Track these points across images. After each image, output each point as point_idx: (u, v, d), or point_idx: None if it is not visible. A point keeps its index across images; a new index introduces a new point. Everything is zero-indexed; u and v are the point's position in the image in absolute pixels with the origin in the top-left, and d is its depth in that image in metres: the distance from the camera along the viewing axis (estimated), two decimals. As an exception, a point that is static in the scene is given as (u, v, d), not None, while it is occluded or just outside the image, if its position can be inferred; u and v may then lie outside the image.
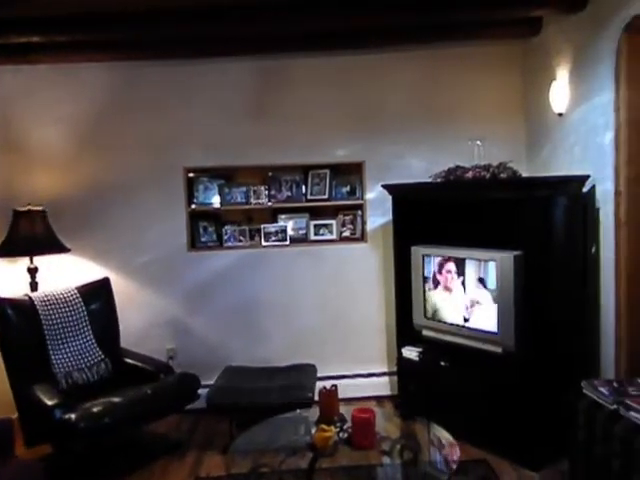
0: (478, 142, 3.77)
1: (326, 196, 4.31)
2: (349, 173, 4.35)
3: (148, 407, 3.33)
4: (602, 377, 3.20)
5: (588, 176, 3.33)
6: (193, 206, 4.32)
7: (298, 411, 3.07)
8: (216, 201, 4.36)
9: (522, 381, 3.22)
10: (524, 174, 3.80)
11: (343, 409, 2.93)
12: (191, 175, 4.34)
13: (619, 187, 3.11)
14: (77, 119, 4.15)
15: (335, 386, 2.92)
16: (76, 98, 4.15)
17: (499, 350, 3.32)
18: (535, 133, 4.15)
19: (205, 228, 4.37)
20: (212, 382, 3.74)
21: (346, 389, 4.08)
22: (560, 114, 3.72)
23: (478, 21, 3.85)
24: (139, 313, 4.24)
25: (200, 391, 3.60)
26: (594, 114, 3.35)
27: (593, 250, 3.36)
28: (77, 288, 3.78)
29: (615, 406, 2.53)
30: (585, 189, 3.36)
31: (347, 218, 4.37)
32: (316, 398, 3.16)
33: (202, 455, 3.54)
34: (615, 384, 2.72)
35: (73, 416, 2.99)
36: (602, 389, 2.67)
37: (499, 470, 3.14)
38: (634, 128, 3.05)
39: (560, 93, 3.68)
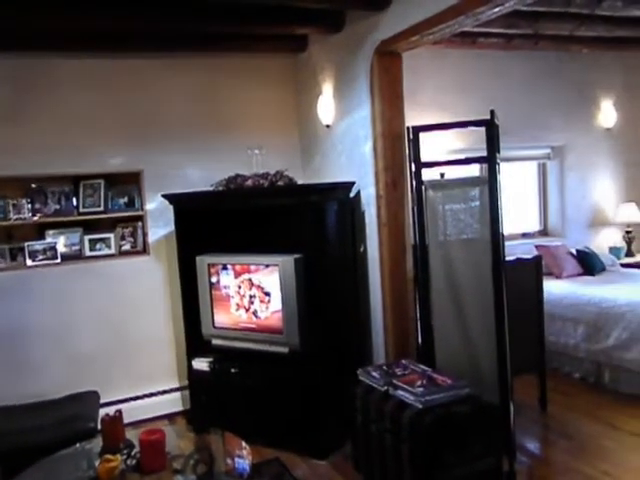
0: (256, 151, 3.88)
1: (101, 208, 4.01)
2: (126, 183, 4.11)
3: None
4: (375, 363, 3.55)
5: (354, 182, 3.67)
6: None
7: (78, 445, 2.79)
8: (-36, 218, 3.74)
9: (308, 377, 3.40)
10: (300, 181, 4.02)
11: (131, 434, 2.75)
12: None
13: (380, 191, 3.49)
14: None
15: (119, 411, 2.72)
16: None
17: (286, 350, 3.47)
18: (308, 143, 4.44)
19: (-49, 250, 3.73)
20: (-31, 429, 3.19)
21: (136, 412, 3.87)
22: (328, 126, 4.04)
23: (249, 34, 3.97)
24: None
25: (-47, 443, 3.04)
26: (356, 126, 3.70)
27: (362, 249, 3.71)
28: None
29: (385, 387, 2.83)
30: (352, 194, 3.69)
31: (127, 230, 4.12)
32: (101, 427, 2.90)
33: (-41, 518, 2.99)
34: (385, 368, 3.04)
35: None
36: (374, 374, 2.96)
37: (291, 465, 3.27)
38: (388, 139, 3.45)
39: (326, 106, 4.00)
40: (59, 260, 3.89)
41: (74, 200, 3.96)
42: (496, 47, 4.65)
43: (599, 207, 5.69)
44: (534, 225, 5.67)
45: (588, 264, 4.92)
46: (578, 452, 3.21)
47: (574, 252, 5.03)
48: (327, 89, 4.02)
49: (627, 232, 5.58)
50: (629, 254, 5.52)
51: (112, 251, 4.06)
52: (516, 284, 3.27)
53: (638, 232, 5.63)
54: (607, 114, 5.60)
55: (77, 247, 3.99)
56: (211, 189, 3.79)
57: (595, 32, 4.32)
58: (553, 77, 5.33)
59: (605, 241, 5.63)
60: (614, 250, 5.45)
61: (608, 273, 4.92)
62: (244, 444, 2.73)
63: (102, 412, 3.05)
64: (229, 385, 3.66)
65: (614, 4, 3.61)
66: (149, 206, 4.12)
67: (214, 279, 3.72)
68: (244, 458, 2.70)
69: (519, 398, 3.31)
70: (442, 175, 4.12)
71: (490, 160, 2.96)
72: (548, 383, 3.79)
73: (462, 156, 3.76)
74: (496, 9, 2.65)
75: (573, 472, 3.01)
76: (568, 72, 5.39)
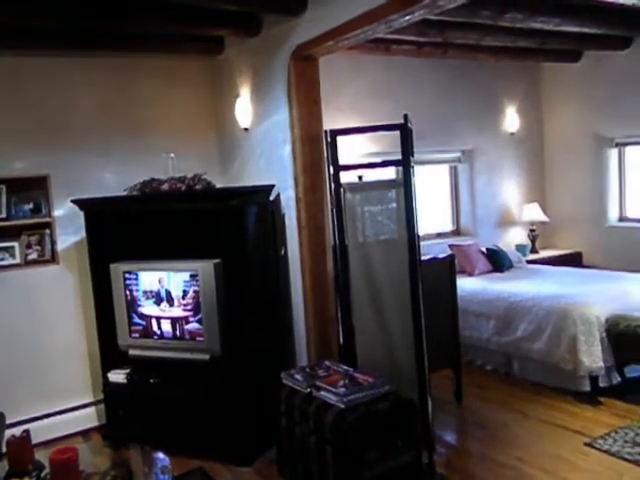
0: (172, 154, 3.78)
1: (4, 215, 3.73)
2: (32, 188, 3.85)
3: None
4: (298, 365, 3.55)
5: (273, 185, 3.66)
6: None
7: (-20, 471, 2.59)
8: None
9: (230, 383, 3.34)
10: (218, 185, 3.94)
11: (41, 454, 2.60)
12: None
13: (299, 194, 3.51)
14: None
15: (27, 431, 2.56)
16: None
17: (206, 357, 3.40)
18: (226, 146, 4.38)
19: None
20: None
21: (47, 430, 3.68)
22: (246, 129, 4.01)
23: (168, 35, 3.86)
24: None
25: None
26: (274, 130, 3.70)
27: (283, 252, 3.71)
28: None
29: (308, 389, 2.84)
30: (272, 197, 3.68)
31: (33, 239, 3.87)
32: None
33: None
34: (307, 369, 3.06)
35: None
36: (297, 376, 2.96)
37: (215, 474, 3.19)
38: (307, 143, 3.48)
39: (244, 109, 3.97)
40: (-45, 272, 3.60)
41: (-28, 207, 3.68)
42: (408, 54, 4.81)
43: (506, 207, 6.03)
44: (447, 225, 5.91)
45: (497, 261, 5.20)
46: (492, 441, 3.38)
47: (484, 250, 5.29)
48: (245, 92, 3.99)
49: (531, 230, 5.95)
50: (533, 251, 5.89)
51: (17, 261, 3.80)
52: (431, 282, 3.40)
53: (541, 230, 6.02)
54: (511, 120, 5.95)
55: (-24, 257, 3.71)
56: (125, 194, 3.65)
57: (499, 42, 4.59)
58: (463, 84, 5.59)
59: (512, 239, 5.98)
60: (520, 248, 5.79)
61: (515, 269, 5.22)
62: (165, 456, 2.65)
63: (8, 433, 2.86)
64: (148, 396, 3.53)
65: (515, 16, 3.84)
66: (58, 212, 3.90)
67: (130, 287, 3.58)
68: (165, 471, 2.62)
69: (436, 393, 3.43)
70: (360, 178, 4.21)
71: (405, 163, 3.06)
72: (463, 376, 3.97)
73: (378, 159, 3.86)
74: (407, 17, 2.75)
75: (488, 460, 3.17)
76: (476, 80, 5.68)
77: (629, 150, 5.62)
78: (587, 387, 3.79)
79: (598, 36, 4.74)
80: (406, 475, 2.74)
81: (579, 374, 3.76)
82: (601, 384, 3.79)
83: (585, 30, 4.38)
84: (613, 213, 5.75)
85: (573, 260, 5.77)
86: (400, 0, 2.62)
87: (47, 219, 3.88)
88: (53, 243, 3.90)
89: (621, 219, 5.75)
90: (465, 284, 4.63)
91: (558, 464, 3.05)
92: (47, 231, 3.89)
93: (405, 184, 3.06)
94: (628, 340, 3.69)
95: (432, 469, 2.99)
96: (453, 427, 3.72)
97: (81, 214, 3.71)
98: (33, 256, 3.87)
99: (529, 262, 5.55)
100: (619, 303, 3.98)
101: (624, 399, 3.71)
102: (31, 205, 3.86)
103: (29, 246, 3.87)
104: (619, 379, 3.83)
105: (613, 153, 5.68)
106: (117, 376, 3.62)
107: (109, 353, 3.70)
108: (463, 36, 4.32)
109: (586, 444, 3.21)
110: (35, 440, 2.69)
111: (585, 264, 5.80)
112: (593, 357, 3.71)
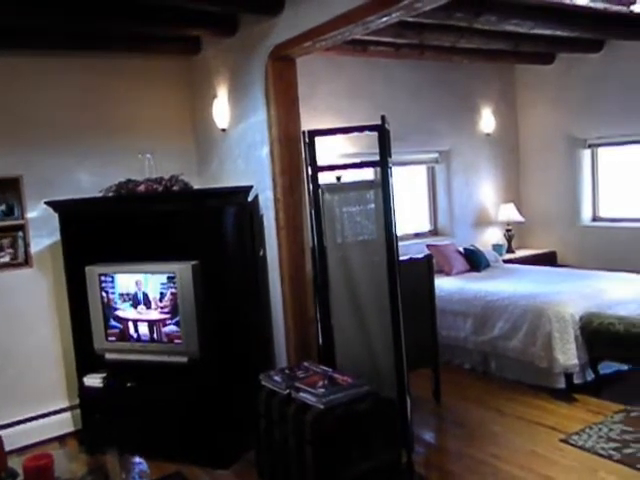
0: (148, 155, 3.74)
1: (-26, 217, 3.67)
2: (4, 190, 3.77)
3: None
4: (277, 366, 3.54)
5: (252, 186, 3.65)
6: None
7: (-49, 480, 2.52)
8: None
9: (208, 386, 3.32)
10: (196, 186, 3.91)
11: (15, 461, 2.55)
12: None
13: (277, 195, 3.50)
14: None
15: (-1, 437, 2.51)
16: None
17: (184, 360, 3.36)
18: (204, 147, 4.35)
19: None
20: None
21: (21, 437, 3.61)
22: (223, 130, 3.98)
23: (144, 35, 3.82)
24: None
25: None
26: (252, 130, 3.69)
27: (261, 253, 3.70)
28: None
29: (287, 391, 2.84)
30: (250, 198, 3.67)
31: (5, 241, 3.79)
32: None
33: None
34: (287, 371, 3.05)
35: None
36: (276, 378, 2.95)
37: (193, 478, 3.18)
38: (285, 143, 3.47)
39: (222, 110, 3.95)
40: None
41: (-59, 209, 3.60)
42: (386, 55, 4.84)
43: (483, 207, 6.10)
44: (425, 225, 5.95)
45: (474, 261, 5.26)
46: (469, 438, 3.42)
47: (462, 250, 5.35)
48: (222, 92, 3.96)
49: (507, 230, 6.03)
50: (509, 250, 5.97)
51: (-11, 264, 3.73)
52: (410, 282, 3.42)
53: (517, 230, 6.11)
54: (487, 121, 6.02)
55: (-54, 260, 3.62)
56: (101, 195, 3.60)
57: (474, 44, 4.64)
58: (439, 85, 5.64)
59: (488, 239, 6.05)
60: (496, 247, 5.86)
61: (492, 269, 5.28)
62: (142, 461, 2.62)
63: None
64: (125, 400, 3.48)
65: (489, 19, 3.89)
66: (31, 214, 3.83)
67: (107, 290, 3.53)
68: (142, 475, 2.60)
69: (415, 392, 3.45)
70: (338, 178, 4.23)
71: (382, 164, 3.07)
72: (441, 375, 4.00)
73: (356, 160, 3.87)
74: (384, 18, 2.76)
75: (466, 457, 3.20)
76: (452, 81, 5.73)
77: (602, 151, 5.74)
78: (562, 384, 3.85)
79: (571, 39, 4.83)
80: (385, 474, 2.75)
81: (554, 371, 3.82)
82: (576, 381, 3.86)
83: (558, 33, 4.46)
84: (586, 213, 5.86)
85: (548, 259, 5.87)
86: (377, 2, 2.63)
87: (20, 221, 3.81)
88: (26, 246, 3.83)
89: (594, 219, 5.86)
90: (443, 284, 4.67)
91: (534, 460, 3.09)
92: (20, 233, 3.82)
93: (383, 185, 3.07)
94: (601, 337, 3.76)
95: (411, 468, 3.00)
96: (432, 426, 3.75)
97: (55, 216, 3.65)
98: (5, 259, 3.79)
99: (505, 261, 5.63)
100: (593, 301, 4.05)
101: (598, 395, 3.79)
102: (3, 207, 3.78)
103: (1, 249, 3.79)
104: (593, 376, 3.90)
105: (586, 154, 5.79)
106: (93, 380, 3.56)
107: (85, 357, 3.65)
108: (439, 38, 4.36)
109: (561, 440, 3.27)
110: (9, 447, 2.64)
111: (559, 263, 5.90)
112: (568, 355, 3.78)
